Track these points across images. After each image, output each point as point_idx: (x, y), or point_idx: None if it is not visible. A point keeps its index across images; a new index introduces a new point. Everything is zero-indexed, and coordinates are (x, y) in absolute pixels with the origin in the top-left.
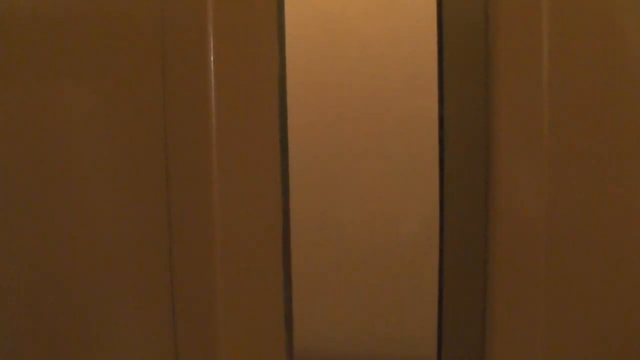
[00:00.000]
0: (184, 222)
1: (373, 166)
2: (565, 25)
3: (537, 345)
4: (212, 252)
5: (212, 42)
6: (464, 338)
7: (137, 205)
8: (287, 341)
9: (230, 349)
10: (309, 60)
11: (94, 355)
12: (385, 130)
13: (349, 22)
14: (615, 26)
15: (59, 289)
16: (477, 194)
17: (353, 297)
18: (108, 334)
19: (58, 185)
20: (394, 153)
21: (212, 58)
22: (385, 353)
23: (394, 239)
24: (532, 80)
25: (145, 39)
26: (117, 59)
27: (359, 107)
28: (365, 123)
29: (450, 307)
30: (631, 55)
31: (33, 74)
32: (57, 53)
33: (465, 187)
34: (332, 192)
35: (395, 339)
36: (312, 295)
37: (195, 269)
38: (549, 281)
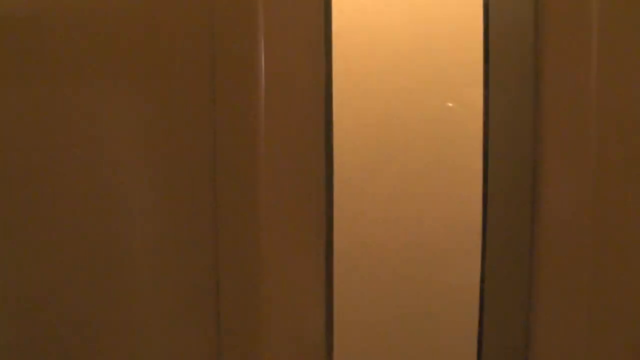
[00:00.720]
0: (230, 233)
1: (416, 170)
2: (614, 32)
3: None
4: (258, 254)
5: (263, 50)
6: (505, 350)
7: (184, 214)
8: (327, 347)
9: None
10: (354, 63)
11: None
12: (430, 134)
13: (394, 25)
14: None
15: (104, 291)
16: (521, 201)
17: (393, 311)
18: (153, 339)
19: (105, 191)
20: (438, 157)
21: (262, 62)
22: None
23: (435, 242)
24: (580, 86)
25: (195, 47)
26: (166, 67)
27: (403, 110)
28: (409, 127)
29: (492, 316)
30: None
31: (80, 82)
32: (105, 61)
33: (509, 194)
34: (375, 193)
35: (435, 350)
36: (353, 299)
37: (241, 279)
38: (594, 291)
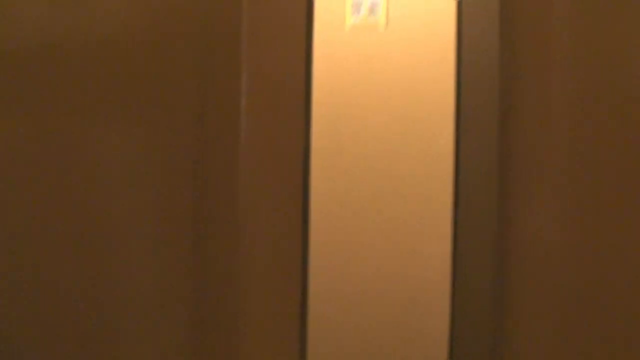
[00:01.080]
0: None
1: (389, 207)
2: (580, 68)
3: None
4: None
5: (244, 98)
6: None
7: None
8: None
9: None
10: (332, 108)
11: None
12: (402, 170)
13: (371, 69)
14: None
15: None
16: (489, 237)
17: (363, 334)
18: (131, 336)
19: (95, 204)
20: (410, 194)
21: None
22: None
23: (407, 278)
24: (548, 123)
25: (185, 85)
26: (157, 101)
27: (378, 151)
28: (384, 164)
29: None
30: None
31: (76, 111)
32: (102, 92)
33: (477, 229)
34: (350, 230)
35: None
36: (326, 327)
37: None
38: (566, 327)
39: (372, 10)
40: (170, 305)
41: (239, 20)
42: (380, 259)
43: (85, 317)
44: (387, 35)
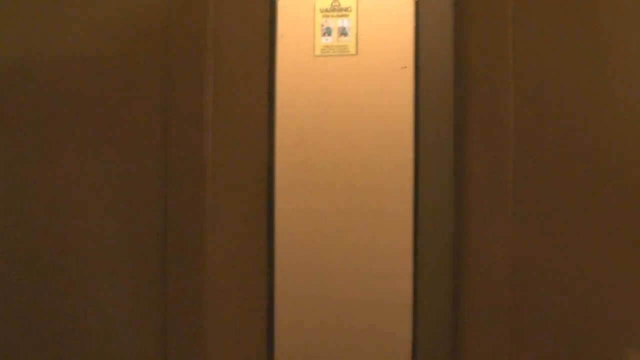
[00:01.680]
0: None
1: (353, 222)
2: (530, 87)
3: None
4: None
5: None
6: None
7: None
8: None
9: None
10: (297, 125)
11: (87, 353)
12: (365, 191)
13: (335, 85)
14: (579, 89)
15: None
16: (447, 250)
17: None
18: (101, 336)
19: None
20: (374, 211)
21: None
22: None
23: (370, 288)
24: (498, 142)
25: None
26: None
27: (342, 167)
28: (349, 179)
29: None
30: (592, 119)
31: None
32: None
33: (436, 242)
34: (316, 244)
35: None
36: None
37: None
38: (515, 328)
39: (342, 32)
40: (138, 317)
41: (204, 42)
42: (345, 277)
43: (50, 333)
44: (357, 58)
